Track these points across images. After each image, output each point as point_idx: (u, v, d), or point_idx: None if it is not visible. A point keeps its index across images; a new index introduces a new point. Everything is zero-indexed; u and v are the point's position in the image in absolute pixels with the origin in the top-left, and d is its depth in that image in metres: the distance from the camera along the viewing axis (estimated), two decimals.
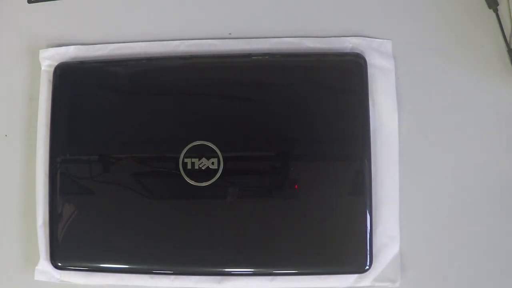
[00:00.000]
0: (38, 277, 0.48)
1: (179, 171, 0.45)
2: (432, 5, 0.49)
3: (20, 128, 0.51)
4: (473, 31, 0.48)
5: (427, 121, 0.48)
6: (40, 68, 0.50)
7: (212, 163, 0.45)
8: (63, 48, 0.50)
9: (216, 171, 0.45)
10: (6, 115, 0.51)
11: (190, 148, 0.45)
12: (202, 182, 0.45)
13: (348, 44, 0.48)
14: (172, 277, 0.47)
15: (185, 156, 0.45)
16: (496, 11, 0.48)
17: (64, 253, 0.47)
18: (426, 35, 0.49)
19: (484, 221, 0.47)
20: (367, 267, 0.45)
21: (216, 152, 0.45)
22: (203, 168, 0.45)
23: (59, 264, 0.47)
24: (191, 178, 0.45)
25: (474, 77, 0.48)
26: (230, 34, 0.49)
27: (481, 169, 0.47)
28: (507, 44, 0.47)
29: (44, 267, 0.48)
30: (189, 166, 0.45)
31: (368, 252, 0.44)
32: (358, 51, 0.47)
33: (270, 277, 0.46)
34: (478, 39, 0.48)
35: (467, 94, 0.48)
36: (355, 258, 0.45)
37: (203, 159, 0.45)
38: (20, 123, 0.51)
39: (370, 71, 0.47)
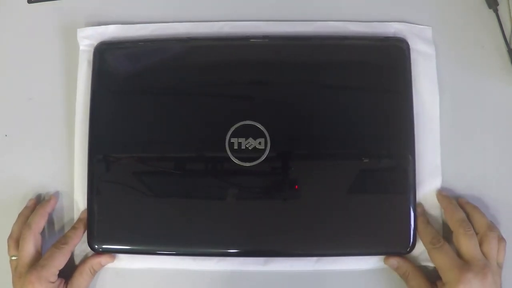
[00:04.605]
0: None
1: (226, 151, 0.44)
2: (432, 5, 0.49)
3: (20, 128, 0.50)
4: (473, 31, 0.49)
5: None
6: (78, 48, 0.49)
7: (259, 143, 0.45)
8: (102, 27, 0.49)
9: (263, 151, 0.44)
10: (6, 115, 0.50)
11: (237, 128, 0.45)
12: (249, 162, 0.44)
13: (391, 29, 0.48)
14: (216, 259, 0.46)
15: (231, 136, 0.45)
16: (496, 11, 0.49)
17: (103, 236, 0.46)
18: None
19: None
20: (409, 249, 0.45)
21: (264, 132, 0.45)
22: (249, 148, 0.45)
23: (96, 246, 0.46)
24: (238, 158, 0.44)
25: (474, 77, 0.48)
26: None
27: (481, 169, 0.47)
28: (507, 44, 0.48)
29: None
30: (235, 146, 0.44)
31: (411, 234, 0.45)
32: (401, 36, 0.48)
33: (315, 258, 0.46)
34: (478, 39, 0.49)
35: (467, 94, 0.48)
36: (399, 239, 0.45)
37: (250, 139, 0.45)
38: (20, 123, 0.50)
39: (412, 56, 0.47)
